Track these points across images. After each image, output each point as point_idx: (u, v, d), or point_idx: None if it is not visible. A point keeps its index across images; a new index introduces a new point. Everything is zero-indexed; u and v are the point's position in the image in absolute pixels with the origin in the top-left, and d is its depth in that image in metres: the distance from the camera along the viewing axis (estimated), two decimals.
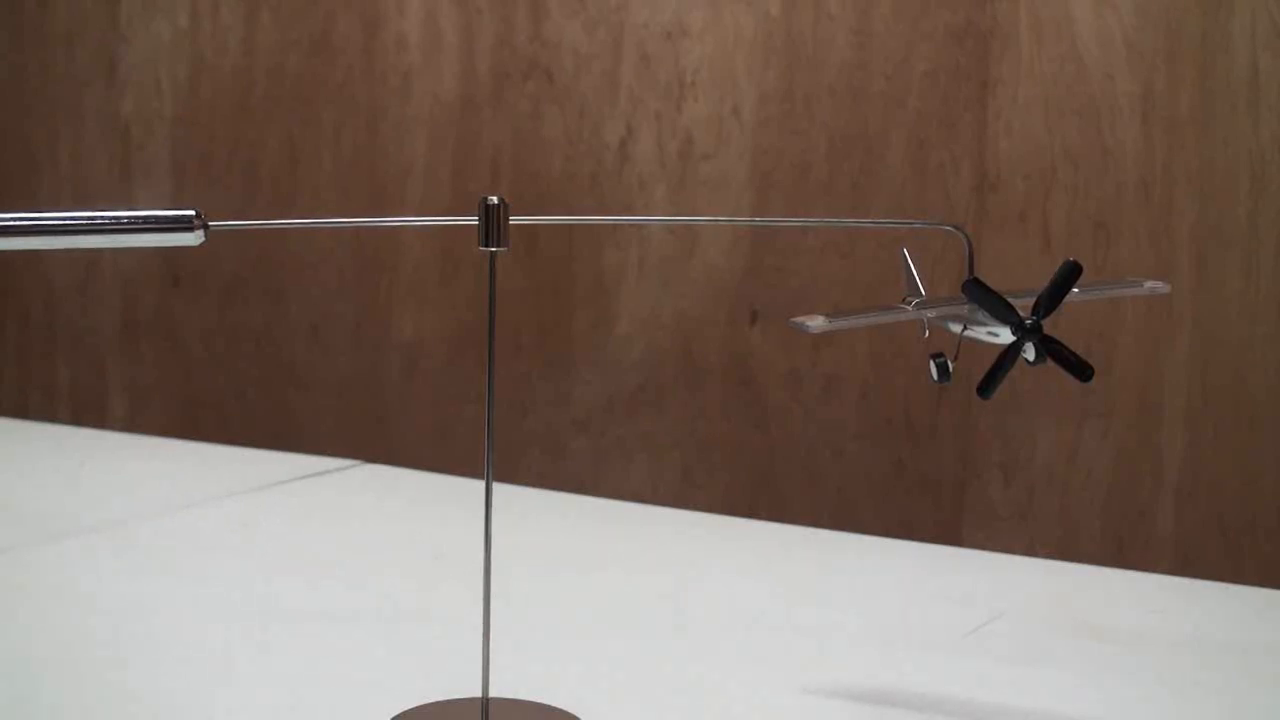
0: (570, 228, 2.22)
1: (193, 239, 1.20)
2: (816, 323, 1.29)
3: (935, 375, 1.29)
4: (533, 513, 2.00)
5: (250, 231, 2.43)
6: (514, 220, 1.26)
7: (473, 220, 1.25)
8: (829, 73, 2.09)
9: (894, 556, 1.88)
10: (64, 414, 2.64)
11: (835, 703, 1.38)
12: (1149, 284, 1.38)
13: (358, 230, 2.39)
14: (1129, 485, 1.96)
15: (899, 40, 2.05)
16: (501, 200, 1.25)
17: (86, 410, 2.63)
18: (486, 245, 1.25)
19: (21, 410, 2.66)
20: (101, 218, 1.20)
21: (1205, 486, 1.91)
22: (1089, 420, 1.96)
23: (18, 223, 1.19)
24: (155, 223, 1.20)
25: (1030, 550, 1.97)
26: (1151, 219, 1.92)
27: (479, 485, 1.29)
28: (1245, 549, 1.89)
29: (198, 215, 1.20)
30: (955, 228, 1.29)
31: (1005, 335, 1.24)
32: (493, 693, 1.28)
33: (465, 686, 1.33)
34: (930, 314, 1.30)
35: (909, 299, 1.32)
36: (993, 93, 2.00)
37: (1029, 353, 1.25)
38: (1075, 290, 1.28)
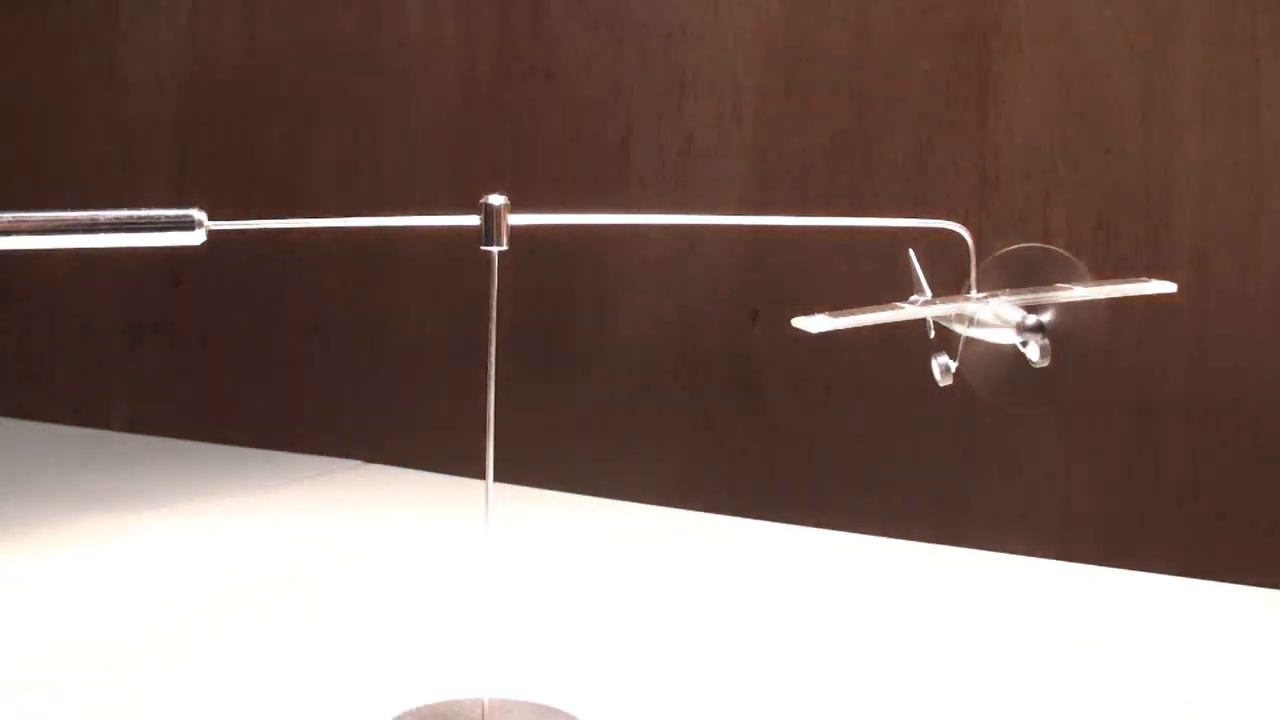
0: (570, 228, 2.22)
1: (194, 239, 1.21)
2: (819, 322, 1.30)
3: (938, 376, 1.30)
4: (533, 513, 2.00)
5: (251, 231, 2.42)
6: (514, 220, 1.26)
7: (473, 220, 1.26)
8: (829, 73, 2.09)
9: (894, 556, 1.88)
10: (65, 414, 2.64)
11: (835, 702, 1.38)
12: (1156, 283, 1.38)
13: (358, 230, 2.38)
14: (1129, 485, 1.96)
15: (899, 40, 2.05)
16: (502, 200, 1.25)
17: (87, 410, 2.63)
18: (487, 245, 1.26)
19: (21, 410, 2.66)
20: (103, 218, 1.21)
21: (1205, 486, 1.91)
22: (1088, 420, 1.96)
23: (19, 223, 1.20)
24: (156, 223, 1.21)
25: (1030, 550, 1.96)
26: (1151, 219, 1.92)
27: (479, 485, 1.30)
28: (1245, 549, 1.89)
29: (199, 215, 1.21)
30: (956, 226, 1.29)
31: (1008, 336, 1.25)
32: (493, 693, 1.28)
33: (465, 686, 1.33)
34: (933, 313, 1.31)
35: (915, 299, 1.32)
36: (993, 93, 2.00)
37: (1033, 353, 1.25)
38: (1082, 288, 1.29)
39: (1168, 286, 1.38)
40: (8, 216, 1.19)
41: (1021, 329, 1.26)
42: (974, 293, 1.30)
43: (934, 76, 2.03)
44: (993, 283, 1.32)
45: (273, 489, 2.13)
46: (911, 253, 1.35)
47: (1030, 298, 1.31)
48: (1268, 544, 1.88)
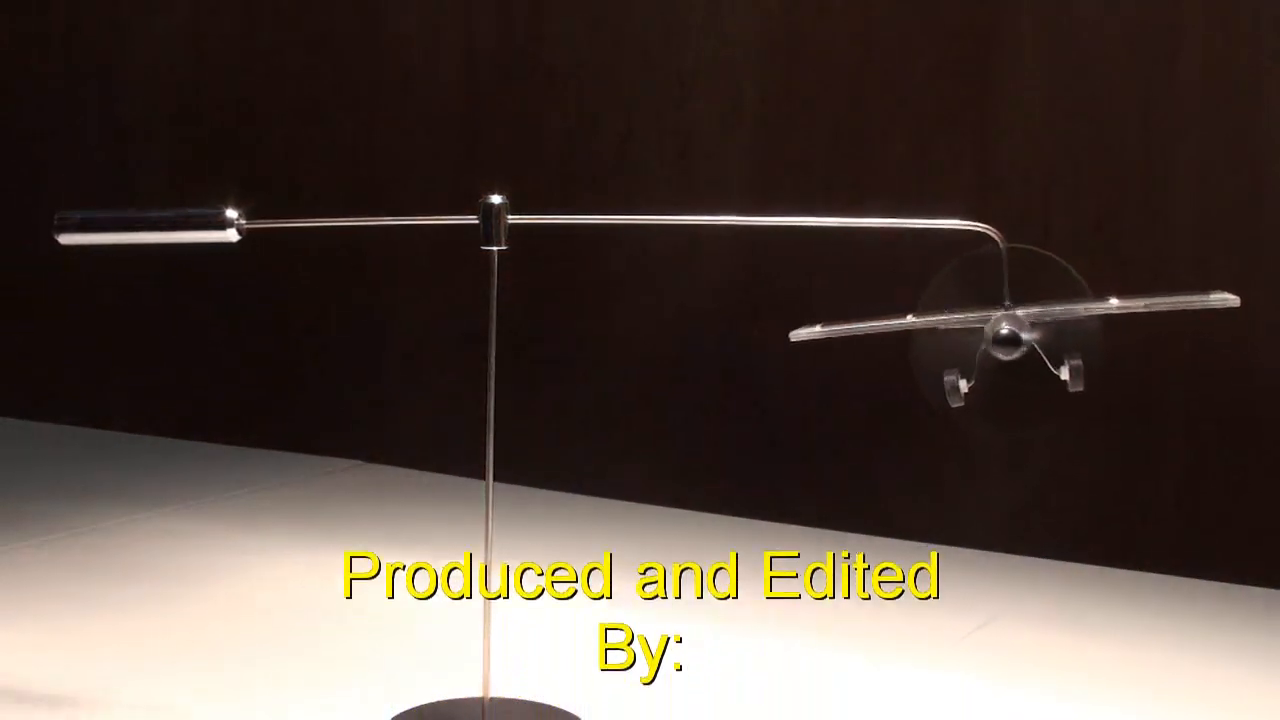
0: (570, 228, 2.22)
1: (229, 236, 1.29)
2: (813, 332, 1.29)
3: (948, 396, 1.27)
4: (533, 513, 2.00)
5: (250, 232, 2.42)
6: (514, 220, 1.27)
7: (473, 220, 1.26)
8: (829, 73, 2.09)
9: (894, 556, 1.89)
10: (64, 414, 2.64)
11: (835, 701, 1.39)
12: (1216, 295, 1.30)
13: (358, 230, 2.38)
14: (1129, 485, 1.96)
15: (899, 40, 2.05)
16: (502, 200, 1.26)
17: (87, 410, 2.63)
18: (486, 245, 1.26)
19: (22, 410, 2.66)
20: (150, 215, 1.33)
21: (1205, 486, 1.91)
22: (1089, 420, 1.96)
23: (90, 221, 1.33)
24: (195, 220, 1.30)
25: (1030, 550, 1.96)
26: (1151, 219, 1.92)
27: (479, 485, 1.30)
28: (1245, 549, 1.89)
29: (231, 213, 1.28)
30: (989, 229, 1.27)
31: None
32: (493, 693, 1.28)
33: (465, 686, 1.34)
34: (938, 324, 1.28)
35: (1007, 304, 1.28)
36: (993, 92, 2.00)
37: (1064, 373, 1.23)
38: (1142, 301, 1.26)
39: (1230, 300, 1.30)
40: (78, 215, 1.32)
41: (996, 341, 1.22)
42: (1007, 301, 1.26)
43: (934, 76, 2.03)
44: (952, 290, 1.29)
45: (273, 489, 2.14)
46: (1004, 257, 1.31)
47: (1070, 309, 1.26)
48: (1268, 544, 1.88)
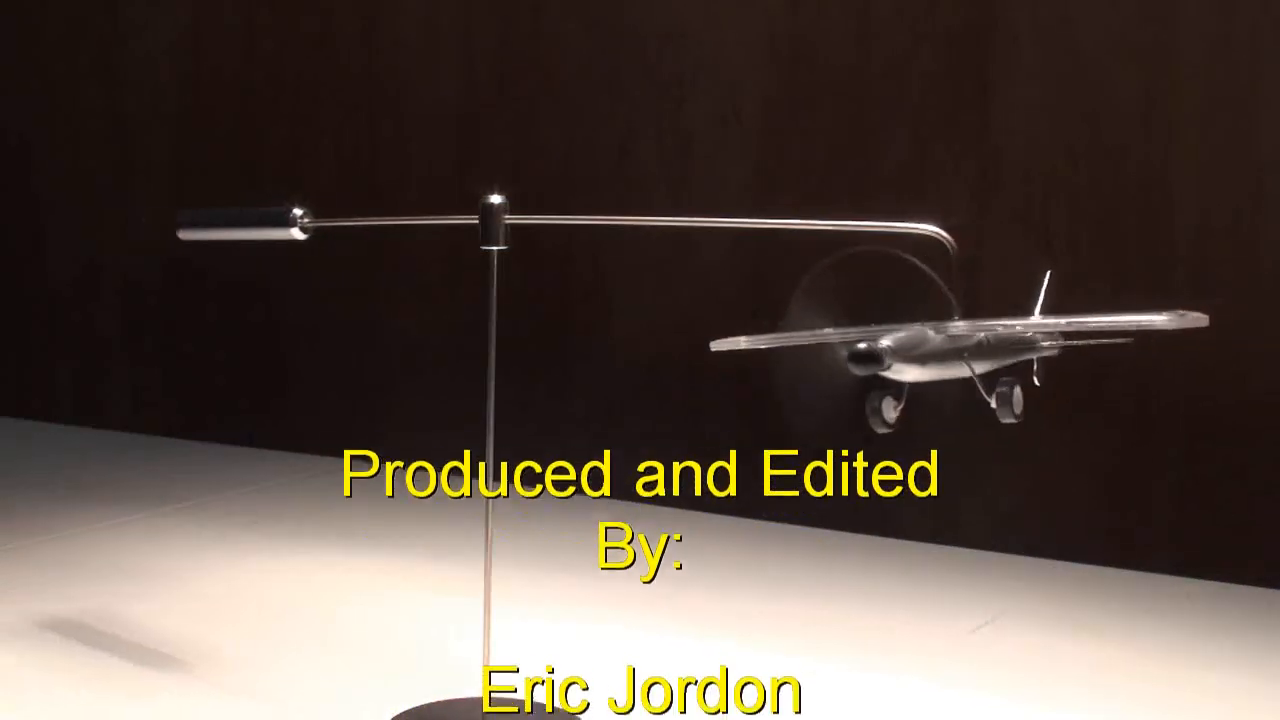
0: (570, 228, 2.22)
1: (294, 234, 1.35)
2: (734, 342, 1.29)
3: (870, 420, 1.24)
4: (533, 513, 2.00)
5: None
6: (513, 220, 1.27)
7: (473, 220, 1.26)
8: (829, 73, 2.09)
9: (894, 556, 1.89)
10: (64, 414, 2.64)
11: (836, 702, 1.39)
12: (1189, 314, 1.21)
13: (356, 230, 2.38)
14: (1129, 485, 1.95)
15: (899, 40, 2.05)
16: (501, 200, 1.26)
17: (87, 410, 2.63)
18: (486, 245, 1.26)
19: (21, 410, 2.66)
20: (239, 213, 1.44)
21: (1205, 486, 1.91)
22: (1089, 420, 1.96)
23: (198, 217, 1.48)
24: (270, 218, 1.37)
25: (1030, 550, 1.96)
26: (1151, 219, 1.92)
27: (480, 485, 1.30)
28: (1245, 549, 1.89)
29: (297, 212, 1.35)
30: (939, 231, 1.25)
31: (958, 370, 1.20)
32: (492, 693, 1.28)
33: (465, 686, 1.34)
34: (850, 338, 1.25)
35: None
36: (993, 93, 1.99)
37: (993, 402, 1.20)
38: (1099, 319, 1.22)
39: (1201, 320, 1.20)
40: (189, 213, 1.46)
41: (854, 358, 1.19)
42: (955, 312, 1.24)
43: (934, 76, 2.03)
44: (821, 294, 1.28)
45: (273, 489, 2.14)
46: (1050, 274, 1.29)
47: (1010, 325, 1.24)
48: (1268, 544, 1.88)
